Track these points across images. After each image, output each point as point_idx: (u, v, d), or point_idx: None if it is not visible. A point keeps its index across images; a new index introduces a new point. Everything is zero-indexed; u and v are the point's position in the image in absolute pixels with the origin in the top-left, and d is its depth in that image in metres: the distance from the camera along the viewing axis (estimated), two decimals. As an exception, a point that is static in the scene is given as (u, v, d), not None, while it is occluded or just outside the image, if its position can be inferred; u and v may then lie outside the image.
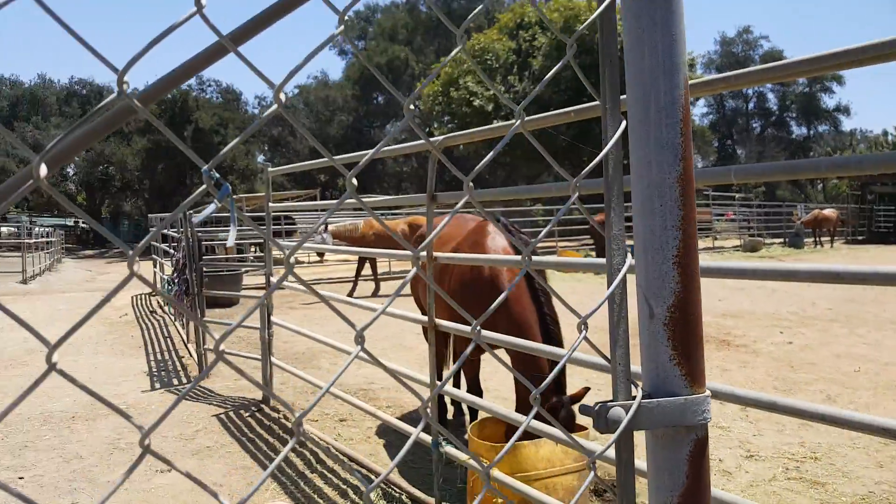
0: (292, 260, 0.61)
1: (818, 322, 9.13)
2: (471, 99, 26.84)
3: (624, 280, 0.68)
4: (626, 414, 0.58)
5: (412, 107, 0.64)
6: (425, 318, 3.32)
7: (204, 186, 0.58)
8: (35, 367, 7.18)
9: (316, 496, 3.83)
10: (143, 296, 14.01)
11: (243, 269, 14.79)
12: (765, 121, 57.36)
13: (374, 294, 13.25)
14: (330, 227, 13.38)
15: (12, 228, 30.23)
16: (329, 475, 4.16)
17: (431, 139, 3.17)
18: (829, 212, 26.31)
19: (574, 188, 0.69)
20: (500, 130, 2.79)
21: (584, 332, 0.70)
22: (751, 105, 57.12)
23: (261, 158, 43.12)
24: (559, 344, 3.44)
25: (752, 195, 38.00)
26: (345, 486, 3.96)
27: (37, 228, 23.13)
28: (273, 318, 5.69)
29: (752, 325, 8.89)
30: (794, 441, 4.54)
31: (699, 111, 56.41)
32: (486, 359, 5.02)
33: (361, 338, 0.62)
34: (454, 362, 4.99)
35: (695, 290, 0.63)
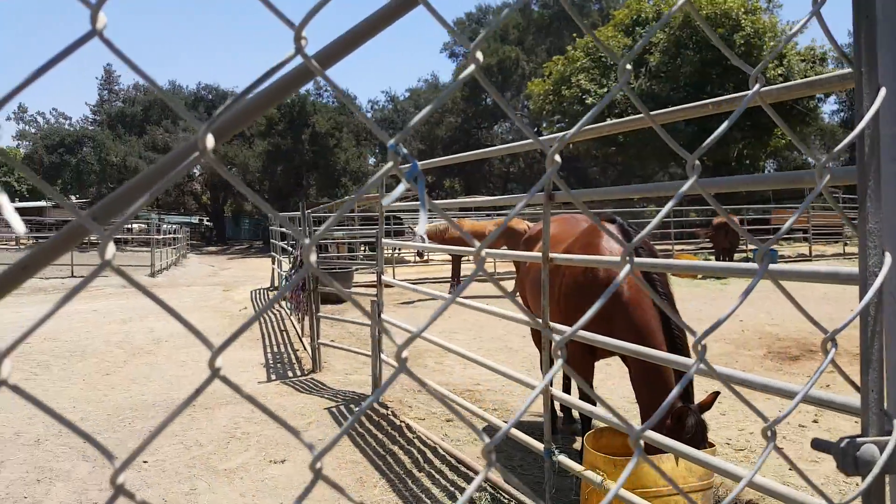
0: (482, 254, 0.54)
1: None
2: (583, 97, 26.25)
3: (881, 290, 0.55)
4: (882, 453, 0.45)
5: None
6: (537, 321, 3.20)
7: (389, 164, 0.52)
8: (161, 356, 7.77)
9: (423, 496, 3.82)
10: (262, 290, 14.86)
11: (354, 267, 15.32)
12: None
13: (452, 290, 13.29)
14: (420, 231, 13.51)
15: (142, 225, 33.12)
16: (436, 476, 4.14)
17: (551, 136, 3.06)
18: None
19: (821, 172, 0.56)
20: (633, 123, 2.62)
21: (833, 349, 0.57)
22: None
23: (371, 161, 44.57)
24: (686, 353, 3.21)
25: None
26: (452, 489, 3.92)
27: (164, 225, 25.07)
28: (384, 316, 5.79)
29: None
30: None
31: (829, 108, 51.77)
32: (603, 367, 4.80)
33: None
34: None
35: None
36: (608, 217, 4.00)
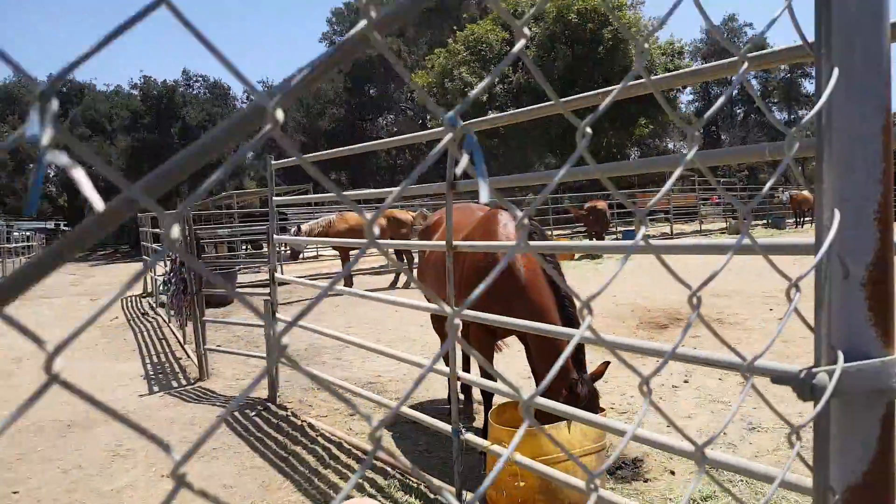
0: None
1: (804, 298, 9.21)
2: (466, 90, 26.78)
3: (833, 242, 0.66)
4: (831, 380, 0.55)
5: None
6: (445, 309, 3.28)
7: (449, 136, 0.50)
8: (21, 377, 7.07)
9: (331, 492, 3.79)
10: (132, 298, 13.85)
11: (237, 267, 14.67)
12: (748, 107, 57.92)
13: (393, 286, 13.18)
14: (304, 226, 13.16)
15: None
16: (343, 470, 4.12)
17: (470, 123, 3.13)
18: (808, 193, 26.70)
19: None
20: (537, 112, 2.71)
21: (797, 294, 0.67)
22: (734, 91, 57.82)
23: (250, 155, 42.71)
24: (577, 327, 3.44)
25: (735, 179, 38.38)
26: (360, 480, 3.93)
27: (15, 233, 22.58)
28: (279, 315, 5.64)
29: (743, 304, 8.98)
30: (794, 412, 4.57)
31: (686, 98, 56.72)
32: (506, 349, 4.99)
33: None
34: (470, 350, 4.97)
35: (891, 248, 0.61)
36: (500, 206, 4.17)
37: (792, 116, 56.36)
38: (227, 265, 14.47)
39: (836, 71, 0.60)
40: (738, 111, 58.31)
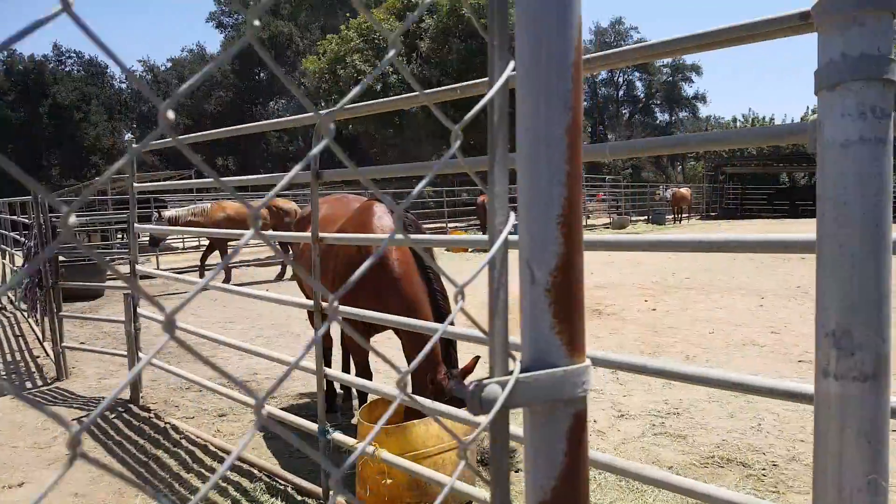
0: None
1: (678, 290, 9.95)
2: (358, 77, 26.38)
3: (506, 243, 0.63)
4: (503, 391, 0.52)
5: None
6: (311, 303, 3.17)
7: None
8: None
9: (193, 497, 3.58)
10: (-12, 291, 12.47)
11: (107, 258, 13.61)
12: (633, 107, 61.57)
13: (280, 278, 12.67)
14: (168, 213, 12.34)
15: None
16: (207, 474, 3.90)
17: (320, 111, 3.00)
18: (685, 191, 28.91)
19: (455, 136, 0.61)
20: (397, 104, 2.67)
21: (461, 301, 0.64)
22: (620, 92, 61.05)
23: (128, 136, 39.84)
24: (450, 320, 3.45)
25: (620, 177, 40.64)
26: (224, 484, 3.74)
27: None
28: (141, 311, 5.26)
29: (620, 295, 9.50)
30: (660, 399, 4.90)
31: (573, 96, 59.21)
32: (384, 342, 4.92)
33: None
34: (344, 347, 4.87)
35: (578, 252, 0.58)
36: (376, 198, 4.09)
37: (672, 118, 60.45)
38: (94, 256, 13.34)
39: (511, 64, 0.58)
40: (624, 111, 61.80)
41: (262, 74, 45.26)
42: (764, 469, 3.68)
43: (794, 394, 1.46)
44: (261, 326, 8.24)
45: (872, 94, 0.61)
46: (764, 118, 41.83)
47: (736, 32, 1.61)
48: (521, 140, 0.58)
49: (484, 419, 0.51)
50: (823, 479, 0.59)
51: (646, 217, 28.73)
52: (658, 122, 61.38)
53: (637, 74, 58.60)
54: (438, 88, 2.39)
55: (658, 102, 60.56)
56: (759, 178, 38.35)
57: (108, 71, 42.55)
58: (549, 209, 0.55)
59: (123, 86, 43.68)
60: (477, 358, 3.57)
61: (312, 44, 39.67)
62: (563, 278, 0.55)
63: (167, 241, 18.95)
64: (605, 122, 60.81)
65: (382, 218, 3.84)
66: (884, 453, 0.58)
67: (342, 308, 3.06)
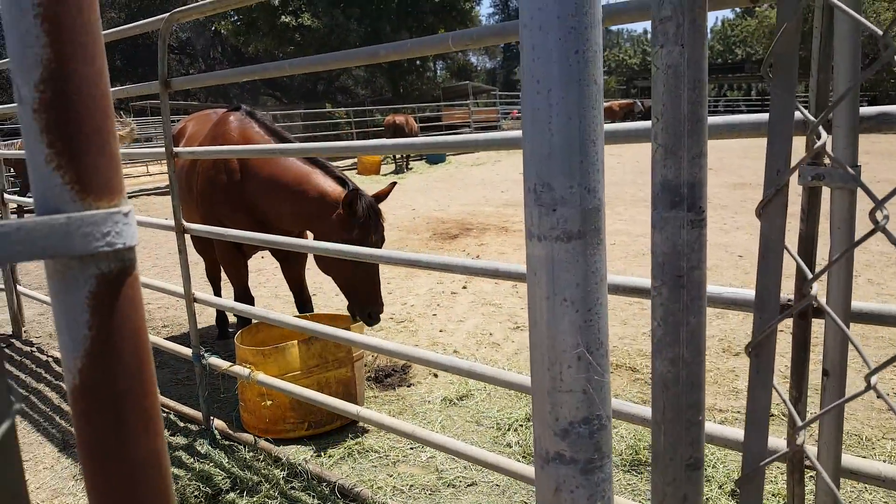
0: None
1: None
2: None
3: None
4: None
5: None
6: (171, 223, 2.95)
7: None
8: None
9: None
10: None
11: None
12: (547, 18, 61.20)
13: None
14: None
15: None
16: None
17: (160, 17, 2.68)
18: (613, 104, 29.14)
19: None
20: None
21: None
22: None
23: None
24: None
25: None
26: (106, 415, 3.58)
27: None
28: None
29: (532, 215, 9.64)
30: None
31: (486, 12, 57.96)
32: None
33: None
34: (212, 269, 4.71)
35: (81, 59, 0.43)
36: (234, 107, 3.81)
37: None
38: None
39: None
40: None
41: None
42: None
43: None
44: (157, 255, 7.84)
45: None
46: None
47: None
48: None
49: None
50: (536, 357, 0.53)
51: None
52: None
53: None
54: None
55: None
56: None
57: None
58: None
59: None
60: (394, 183, 3.57)
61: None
62: (54, 94, 0.42)
63: None
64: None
65: (236, 127, 3.58)
66: (597, 322, 0.52)
67: (197, 227, 2.87)
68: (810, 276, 0.63)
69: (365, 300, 3.31)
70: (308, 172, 3.31)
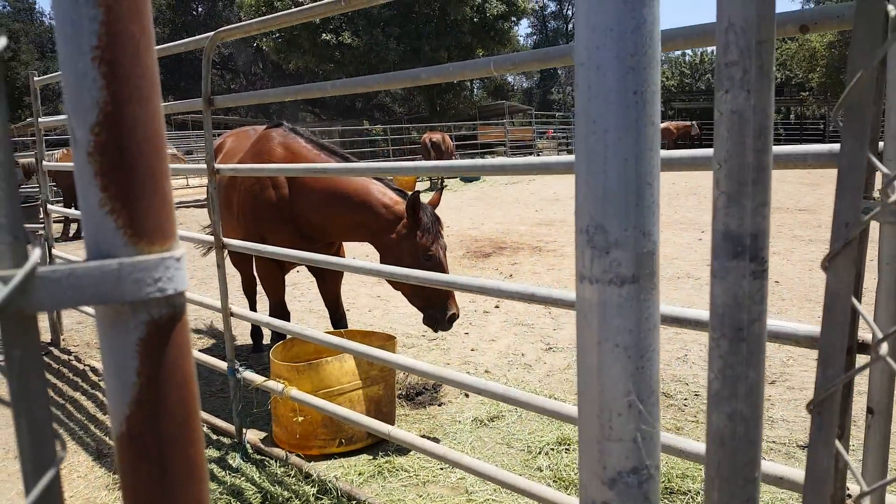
0: None
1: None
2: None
3: None
4: (6, 287, 0.38)
5: None
6: (211, 238, 3.00)
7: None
8: None
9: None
10: None
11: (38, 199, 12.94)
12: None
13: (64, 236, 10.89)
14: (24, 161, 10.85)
15: None
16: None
17: (207, 34, 2.76)
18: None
19: None
20: (295, 18, 2.39)
21: None
22: (570, 26, 60.41)
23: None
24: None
25: (570, 113, 40.61)
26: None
27: None
28: (56, 252, 4.99)
29: (561, 233, 9.55)
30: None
31: (524, 31, 58.26)
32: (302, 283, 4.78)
33: None
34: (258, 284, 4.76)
35: (136, 101, 0.43)
36: (275, 123, 3.87)
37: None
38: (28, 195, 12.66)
39: None
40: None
41: (199, 9, 42.82)
42: (686, 399, 3.75)
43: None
44: (195, 267, 7.99)
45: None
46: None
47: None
48: None
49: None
50: (585, 403, 0.51)
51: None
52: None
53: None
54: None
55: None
56: (709, 112, 38.80)
57: (37, 6, 39.61)
58: (79, 36, 0.41)
59: (54, 23, 40.83)
60: (442, 189, 3.62)
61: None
62: (109, 137, 0.41)
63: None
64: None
65: (280, 145, 3.63)
66: (649, 370, 0.50)
67: (235, 242, 2.91)
68: (880, 335, 0.60)
69: (442, 305, 3.35)
70: (368, 184, 3.36)
